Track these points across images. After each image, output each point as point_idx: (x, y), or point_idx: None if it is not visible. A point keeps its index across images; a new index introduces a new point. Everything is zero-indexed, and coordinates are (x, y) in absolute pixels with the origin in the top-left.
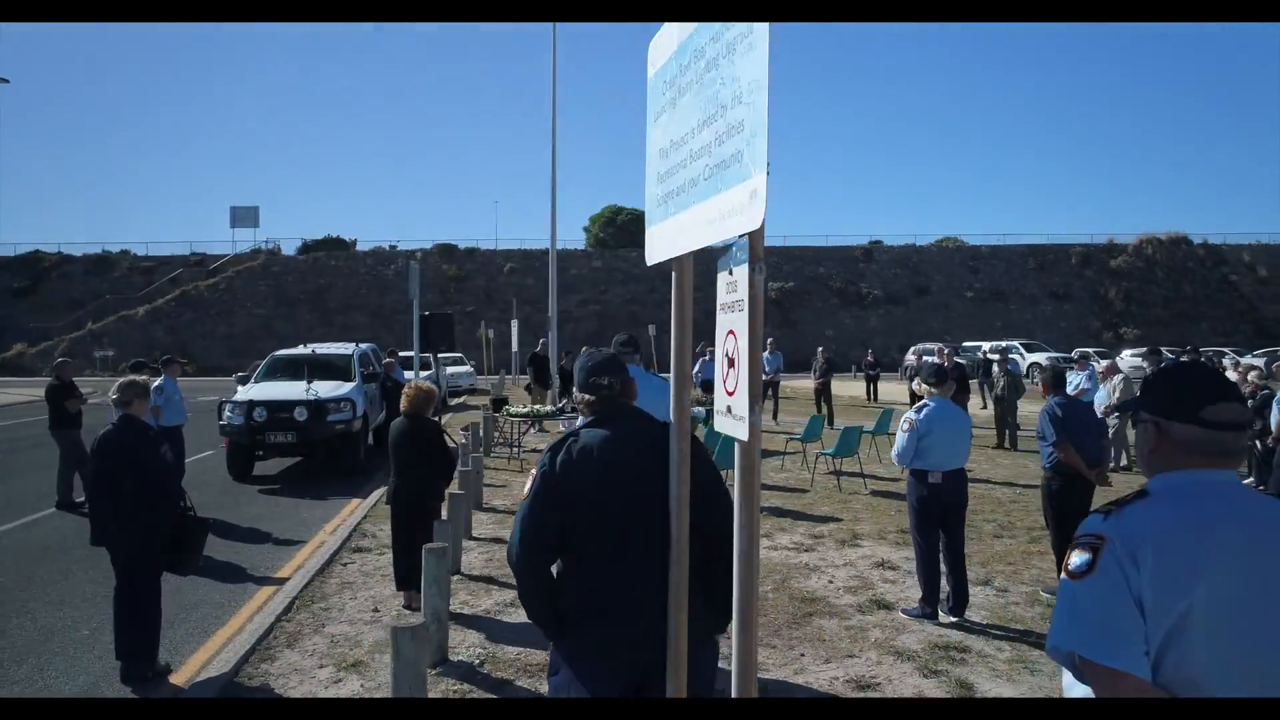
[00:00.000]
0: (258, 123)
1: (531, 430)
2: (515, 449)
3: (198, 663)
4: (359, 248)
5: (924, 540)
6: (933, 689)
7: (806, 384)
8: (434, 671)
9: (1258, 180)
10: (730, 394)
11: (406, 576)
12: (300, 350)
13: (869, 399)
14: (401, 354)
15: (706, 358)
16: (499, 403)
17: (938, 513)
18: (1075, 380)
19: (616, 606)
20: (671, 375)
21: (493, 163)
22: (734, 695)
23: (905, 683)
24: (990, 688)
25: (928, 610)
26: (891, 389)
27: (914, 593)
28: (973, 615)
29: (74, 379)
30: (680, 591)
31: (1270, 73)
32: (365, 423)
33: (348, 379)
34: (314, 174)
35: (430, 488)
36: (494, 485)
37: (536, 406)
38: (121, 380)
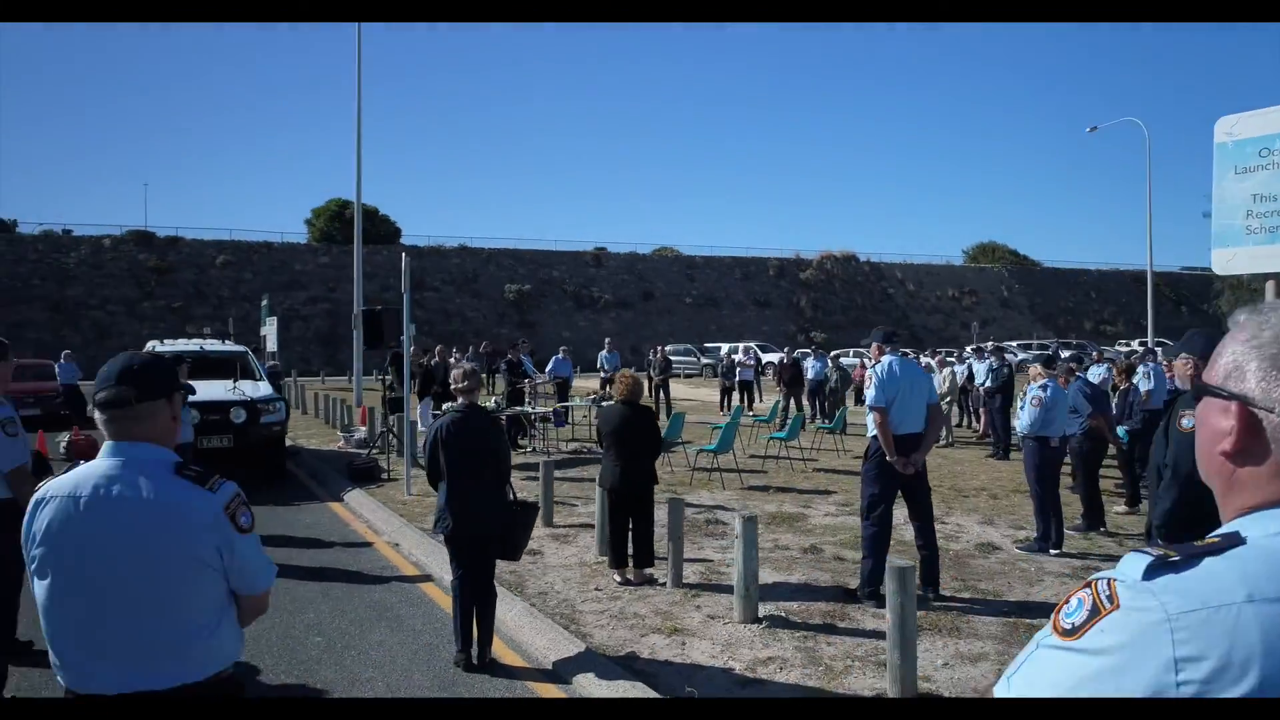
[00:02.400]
0: None
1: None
2: None
3: (514, 655)
4: (21, 230)
5: (1046, 491)
6: None
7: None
8: (760, 626)
9: (908, 212)
10: None
11: (628, 554)
12: (183, 344)
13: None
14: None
15: (560, 355)
16: (396, 402)
17: (1057, 468)
18: None
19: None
20: None
21: (152, 139)
22: None
23: None
24: None
25: (1044, 545)
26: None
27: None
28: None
29: None
30: None
31: (909, 126)
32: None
33: (253, 378)
34: None
35: (651, 469)
36: None
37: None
38: (465, 368)
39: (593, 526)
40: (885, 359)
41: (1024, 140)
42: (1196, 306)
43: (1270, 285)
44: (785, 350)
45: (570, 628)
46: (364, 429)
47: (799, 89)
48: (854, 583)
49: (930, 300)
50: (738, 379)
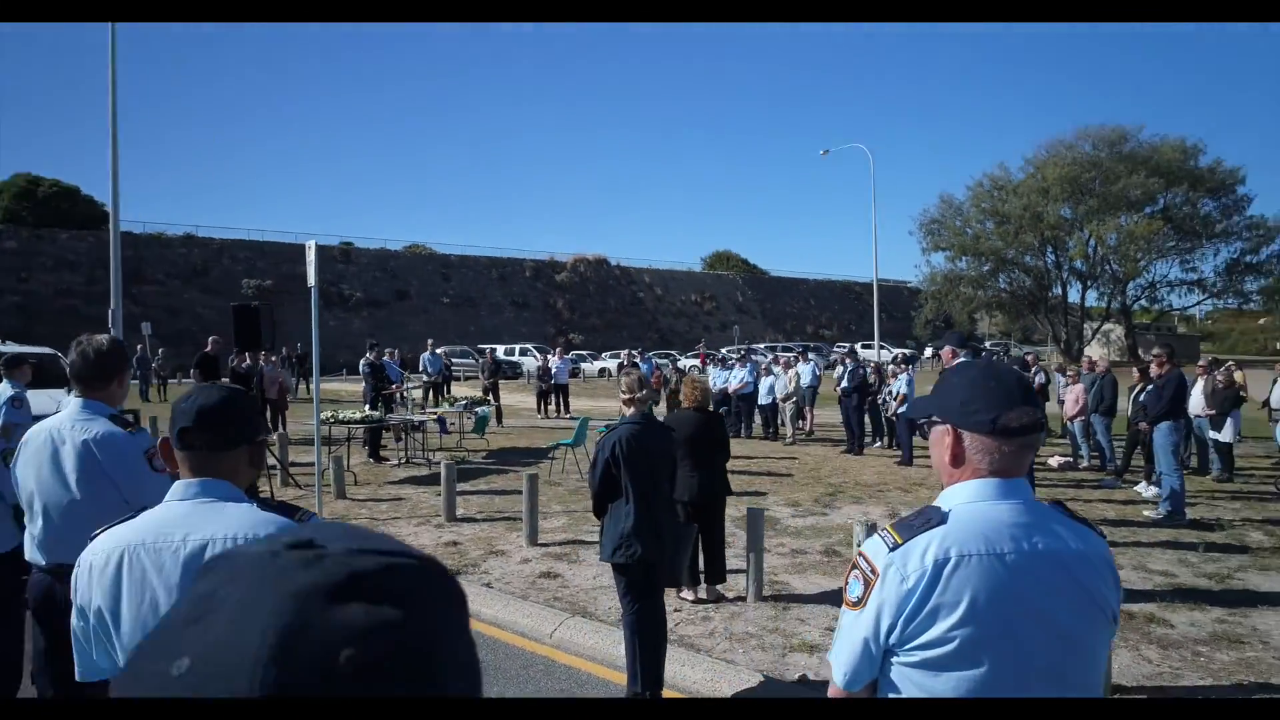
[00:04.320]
0: None
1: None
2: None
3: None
4: None
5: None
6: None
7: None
8: None
9: (653, 220)
10: None
11: (699, 570)
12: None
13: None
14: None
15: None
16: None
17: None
18: (739, 374)
19: None
20: None
21: None
22: None
23: None
24: None
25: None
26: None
27: None
28: None
29: None
30: None
31: (656, 135)
32: None
33: None
34: None
35: (725, 478)
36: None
37: (366, 411)
38: (636, 375)
39: (576, 542)
40: (958, 364)
41: (759, 157)
42: (893, 313)
43: None
44: (637, 352)
45: (701, 653)
46: None
47: (551, 93)
48: None
49: (676, 304)
50: (554, 382)
